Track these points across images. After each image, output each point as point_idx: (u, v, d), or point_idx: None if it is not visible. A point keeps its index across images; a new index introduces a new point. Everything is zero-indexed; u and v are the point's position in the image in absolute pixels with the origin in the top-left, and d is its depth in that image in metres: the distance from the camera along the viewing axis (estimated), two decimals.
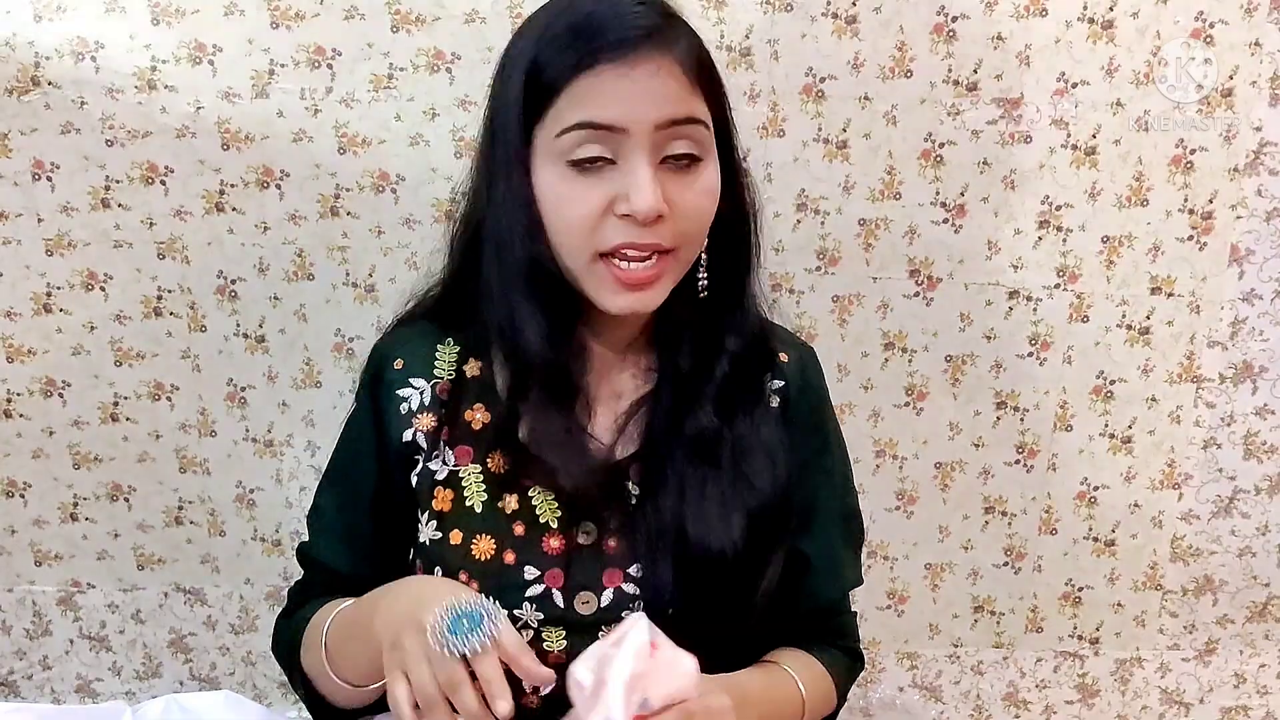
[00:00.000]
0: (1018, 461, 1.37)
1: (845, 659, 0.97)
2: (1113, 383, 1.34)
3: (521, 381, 0.83)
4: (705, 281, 0.84)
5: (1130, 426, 1.36)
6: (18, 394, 1.32)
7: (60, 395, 1.33)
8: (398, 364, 0.88)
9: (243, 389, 1.34)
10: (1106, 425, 1.35)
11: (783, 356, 0.91)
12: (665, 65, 0.75)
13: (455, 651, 0.66)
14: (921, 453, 1.37)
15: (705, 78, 0.79)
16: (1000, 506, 1.39)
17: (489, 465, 0.85)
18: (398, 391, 0.87)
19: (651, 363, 0.88)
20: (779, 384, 0.90)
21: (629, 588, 0.83)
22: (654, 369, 0.88)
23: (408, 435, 0.86)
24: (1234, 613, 1.43)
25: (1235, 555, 1.40)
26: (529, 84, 0.77)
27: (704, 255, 0.84)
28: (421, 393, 0.87)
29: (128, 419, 1.34)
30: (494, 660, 0.66)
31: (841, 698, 0.95)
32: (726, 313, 0.86)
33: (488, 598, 0.70)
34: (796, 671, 0.89)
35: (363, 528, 0.89)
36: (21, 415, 1.33)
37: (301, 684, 0.90)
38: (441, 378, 0.87)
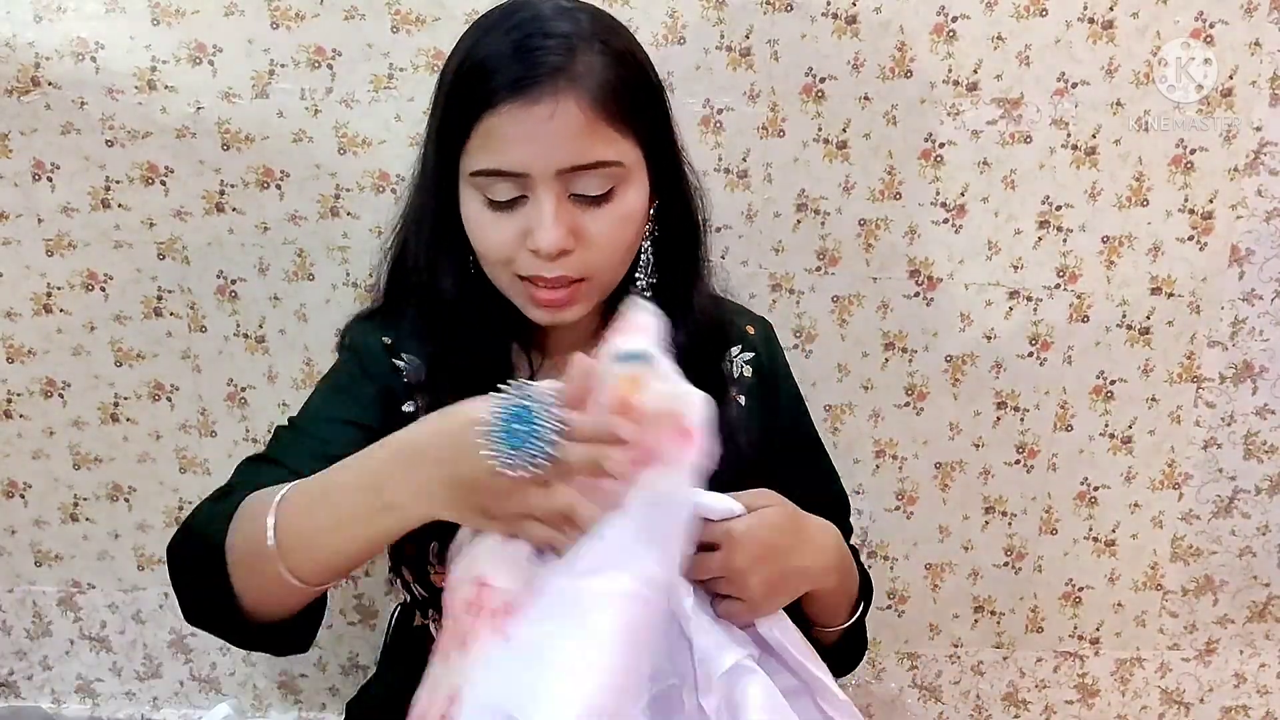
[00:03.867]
0: (1018, 461, 1.37)
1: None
2: (1113, 383, 1.34)
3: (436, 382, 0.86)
4: (646, 284, 0.86)
5: (1130, 426, 1.35)
6: (18, 394, 1.32)
7: (60, 395, 1.33)
8: (386, 340, 0.89)
9: (243, 389, 1.34)
10: (1107, 425, 1.35)
11: (749, 329, 0.95)
12: (566, 105, 0.75)
13: (537, 461, 0.58)
14: (921, 453, 1.37)
15: (621, 108, 0.78)
16: (1000, 506, 1.39)
17: None
18: (393, 360, 0.88)
19: None
20: (749, 355, 0.94)
21: None
22: None
23: (409, 408, 0.87)
24: (1234, 613, 1.43)
25: (1235, 555, 1.40)
26: (446, 113, 0.79)
27: (649, 258, 0.86)
28: (417, 369, 0.88)
29: (128, 419, 1.34)
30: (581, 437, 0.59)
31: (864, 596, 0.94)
32: (675, 314, 0.85)
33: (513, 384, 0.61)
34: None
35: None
36: (22, 415, 1.33)
37: (209, 589, 0.72)
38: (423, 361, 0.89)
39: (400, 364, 0.88)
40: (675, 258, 0.88)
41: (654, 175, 0.83)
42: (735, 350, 0.93)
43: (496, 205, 0.78)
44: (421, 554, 0.87)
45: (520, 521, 0.62)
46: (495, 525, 0.64)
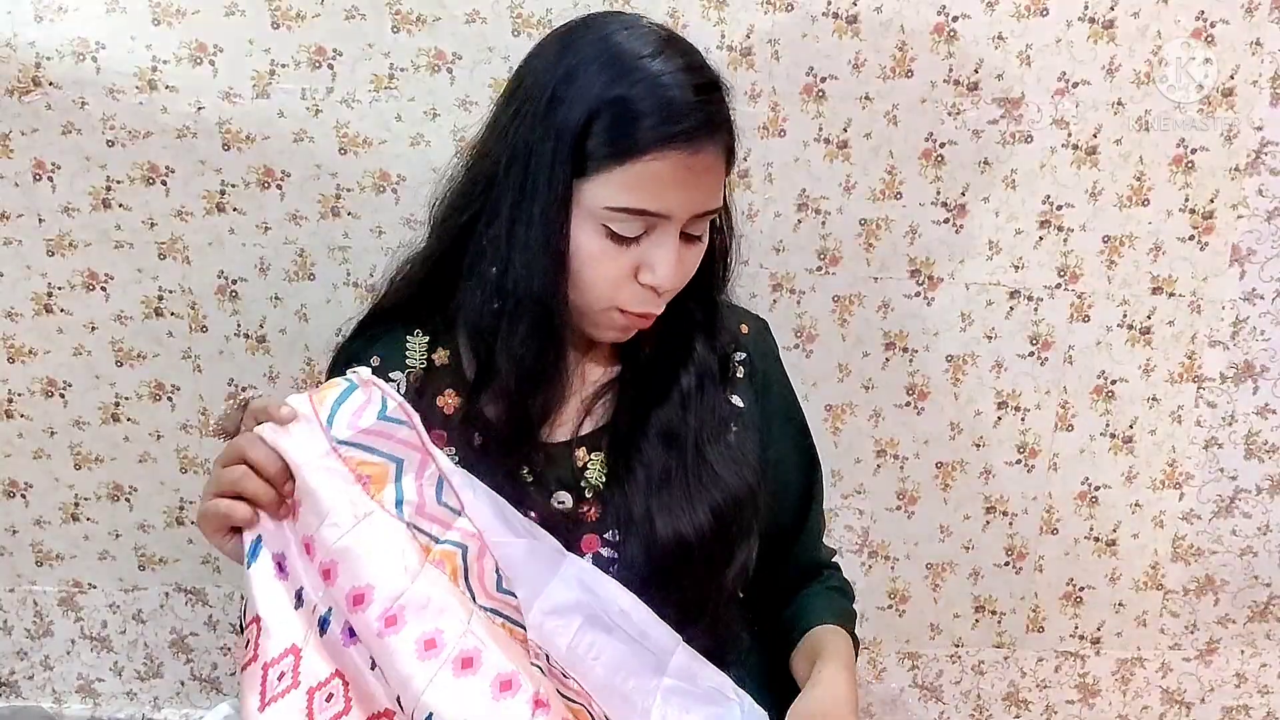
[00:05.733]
0: (1019, 461, 1.37)
1: (838, 597, 1.01)
2: (1114, 382, 1.34)
3: (482, 385, 0.85)
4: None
5: (1131, 426, 1.35)
6: (19, 394, 1.32)
7: (61, 395, 1.33)
8: (374, 361, 0.89)
9: (244, 389, 1.34)
10: (1108, 425, 1.35)
11: (744, 329, 0.96)
12: (717, 157, 0.79)
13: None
14: (922, 452, 1.37)
15: (734, 155, 0.83)
16: (1001, 506, 1.39)
17: (463, 447, 0.86)
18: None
19: (615, 350, 0.92)
20: (741, 355, 0.94)
21: (606, 552, 0.86)
22: (617, 355, 0.92)
23: None
24: (1235, 612, 1.43)
25: (1236, 555, 1.40)
26: (583, 135, 0.76)
27: None
28: (398, 385, 0.89)
29: (129, 419, 1.34)
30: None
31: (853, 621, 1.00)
32: (699, 320, 0.90)
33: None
34: (828, 644, 0.91)
35: None
36: (23, 415, 1.33)
37: None
38: (414, 367, 0.89)
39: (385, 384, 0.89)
40: (704, 279, 0.89)
41: None
42: (729, 364, 0.94)
43: (618, 239, 0.78)
44: None
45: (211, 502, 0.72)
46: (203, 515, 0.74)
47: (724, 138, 0.80)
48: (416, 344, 0.90)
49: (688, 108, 0.76)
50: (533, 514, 0.85)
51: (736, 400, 0.92)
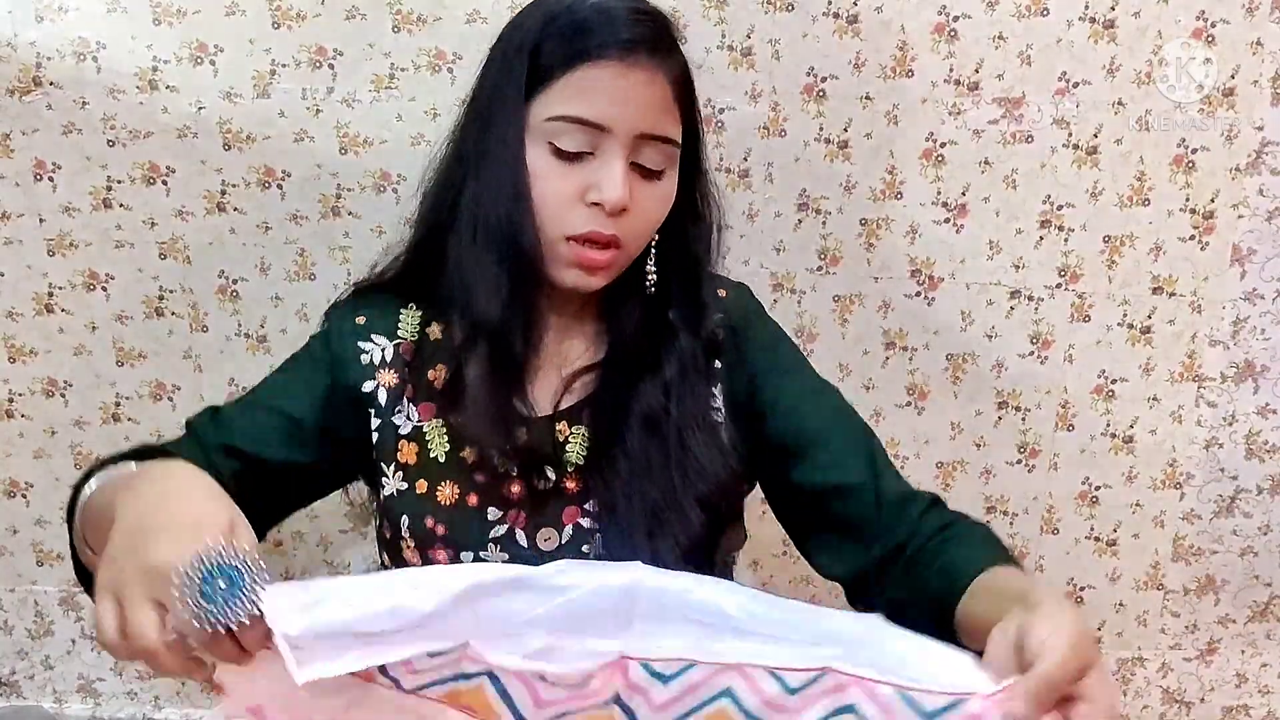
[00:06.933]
0: (1019, 461, 1.37)
1: (982, 529, 0.90)
2: (1114, 382, 1.34)
3: (470, 343, 0.86)
4: (654, 278, 0.89)
5: (1132, 426, 1.35)
6: (19, 394, 1.33)
7: (62, 395, 1.33)
8: (359, 319, 0.91)
9: (245, 389, 1.33)
10: (1108, 425, 1.35)
11: (721, 293, 0.95)
12: (658, 78, 0.81)
13: (211, 623, 0.55)
14: (923, 452, 1.37)
15: (686, 99, 0.85)
16: (1002, 506, 1.39)
17: (451, 420, 0.87)
18: (359, 343, 0.90)
19: (600, 330, 0.92)
20: (718, 316, 0.93)
21: (586, 522, 0.87)
22: (603, 337, 0.92)
23: (368, 386, 0.89)
24: (1235, 612, 1.43)
25: (1237, 555, 1.40)
26: (531, 64, 0.81)
27: (653, 252, 0.89)
28: (383, 350, 0.90)
29: (129, 419, 1.34)
30: (260, 630, 0.56)
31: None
32: (681, 308, 0.90)
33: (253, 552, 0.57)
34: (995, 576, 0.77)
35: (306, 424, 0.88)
36: (23, 415, 1.34)
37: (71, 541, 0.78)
38: (405, 338, 0.90)
39: (366, 346, 0.90)
40: (686, 263, 0.90)
41: (681, 173, 0.87)
42: (711, 353, 0.93)
43: (562, 155, 0.80)
44: (395, 535, 0.88)
45: (109, 596, 0.59)
46: (115, 611, 0.59)
47: (668, 65, 0.82)
48: (409, 316, 0.91)
49: (627, 21, 0.80)
50: (515, 490, 0.86)
51: (717, 364, 0.92)
